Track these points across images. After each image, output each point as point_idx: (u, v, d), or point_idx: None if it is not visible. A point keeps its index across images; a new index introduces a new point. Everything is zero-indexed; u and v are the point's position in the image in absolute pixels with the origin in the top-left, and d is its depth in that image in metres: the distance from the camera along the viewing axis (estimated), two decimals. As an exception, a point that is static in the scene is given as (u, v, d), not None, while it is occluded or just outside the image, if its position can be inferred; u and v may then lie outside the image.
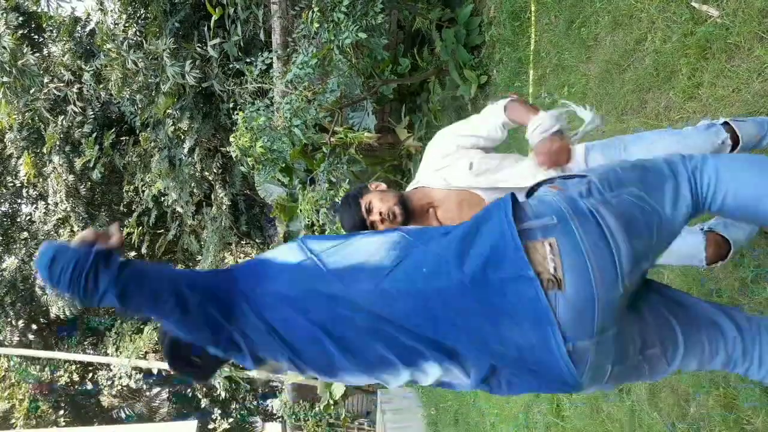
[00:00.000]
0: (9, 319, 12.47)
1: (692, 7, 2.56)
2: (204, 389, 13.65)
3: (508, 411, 4.57)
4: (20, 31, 8.17)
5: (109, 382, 13.27)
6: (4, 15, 7.42)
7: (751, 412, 2.09)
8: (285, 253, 1.32)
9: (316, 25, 4.39)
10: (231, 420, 14.76)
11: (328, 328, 1.17)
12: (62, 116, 9.12)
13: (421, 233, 1.29)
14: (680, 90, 2.59)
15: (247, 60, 6.06)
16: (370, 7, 4.42)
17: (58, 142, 9.27)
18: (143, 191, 9.02)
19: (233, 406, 14.81)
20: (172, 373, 13.40)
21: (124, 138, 9.57)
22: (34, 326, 13.18)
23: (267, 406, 15.91)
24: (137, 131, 8.69)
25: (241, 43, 6.50)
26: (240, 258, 11.46)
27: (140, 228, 10.06)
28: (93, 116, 9.20)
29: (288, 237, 6.15)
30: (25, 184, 11.71)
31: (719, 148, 1.87)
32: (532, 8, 4.24)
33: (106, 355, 12.33)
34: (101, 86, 8.18)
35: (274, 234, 10.15)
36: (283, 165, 5.37)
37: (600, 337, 1.10)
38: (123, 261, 1.14)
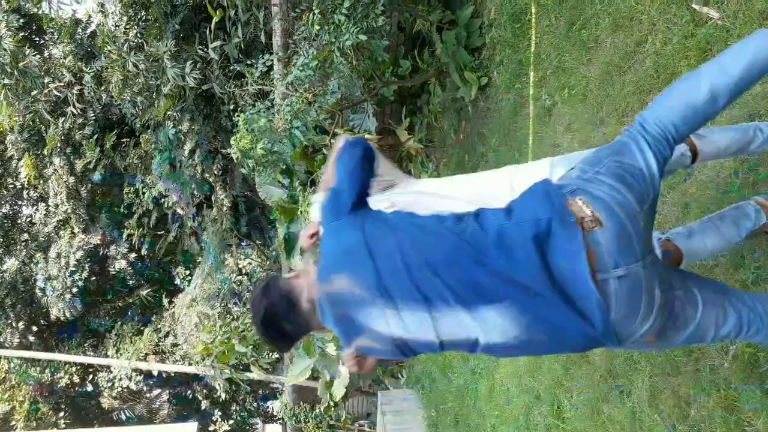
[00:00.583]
0: (9, 321, 12.47)
1: (693, 9, 2.57)
2: (204, 391, 13.63)
3: (508, 413, 4.56)
4: (21, 33, 8.20)
5: (110, 384, 13.23)
6: (6, 17, 7.45)
7: (752, 414, 2.09)
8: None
9: (317, 27, 4.40)
10: (231, 422, 14.71)
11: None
12: (63, 118, 9.14)
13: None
14: (681, 92, 2.59)
15: (248, 62, 6.08)
16: (370, 9, 4.43)
17: (58, 144, 9.30)
18: (143, 193, 9.04)
19: (233, 408, 14.77)
20: (172, 375, 13.42)
21: (124, 140, 9.60)
22: (34, 328, 13.17)
23: (267, 407, 15.89)
24: (138, 133, 8.70)
25: (242, 45, 6.51)
26: (240, 259, 11.46)
27: (140, 230, 10.08)
28: (94, 118, 9.22)
29: (287, 239, 6.15)
30: (26, 186, 11.73)
31: (679, 159, 1.93)
32: (533, 10, 4.24)
33: (107, 356, 12.32)
34: (102, 88, 8.21)
35: (274, 236, 10.16)
36: (284, 167, 5.38)
37: (644, 260, 1.36)
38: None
